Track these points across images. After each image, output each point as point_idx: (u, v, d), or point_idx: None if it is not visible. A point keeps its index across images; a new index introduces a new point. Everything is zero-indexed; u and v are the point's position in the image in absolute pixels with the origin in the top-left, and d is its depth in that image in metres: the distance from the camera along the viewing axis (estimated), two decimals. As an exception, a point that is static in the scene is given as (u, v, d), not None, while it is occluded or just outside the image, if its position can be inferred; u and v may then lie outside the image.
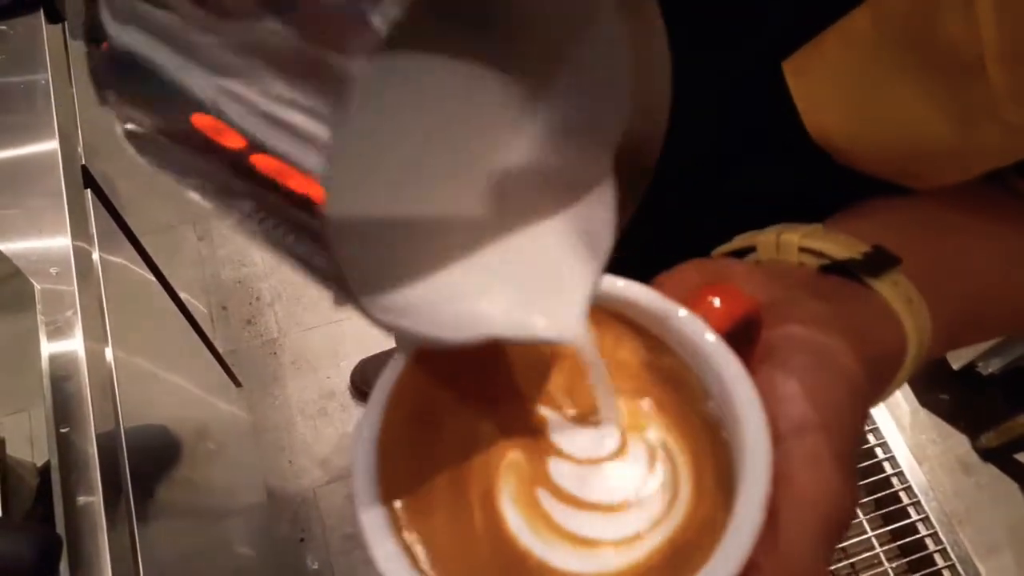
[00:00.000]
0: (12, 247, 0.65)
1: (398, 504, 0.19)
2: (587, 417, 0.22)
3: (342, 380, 1.55)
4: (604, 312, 0.23)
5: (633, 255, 0.27)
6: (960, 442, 1.52)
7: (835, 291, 0.29)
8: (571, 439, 0.21)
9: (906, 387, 1.56)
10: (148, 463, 0.76)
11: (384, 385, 0.21)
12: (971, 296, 0.38)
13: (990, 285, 0.39)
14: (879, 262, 0.31)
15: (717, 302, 0.22)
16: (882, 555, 1.44)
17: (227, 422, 1.27)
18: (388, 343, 1.51)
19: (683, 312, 0.22)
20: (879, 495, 1.49)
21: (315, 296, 1.61)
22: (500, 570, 0.19)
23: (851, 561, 1.45)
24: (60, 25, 0.77)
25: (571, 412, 0.22)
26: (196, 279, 1.55)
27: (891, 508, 1.48)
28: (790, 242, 0.32)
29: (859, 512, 1.47)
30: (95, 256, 0.70)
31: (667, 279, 0.26)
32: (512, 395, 0.22)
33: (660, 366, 0.22)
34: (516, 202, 0.23)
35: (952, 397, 1.53)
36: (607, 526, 0.20)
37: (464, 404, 0.22)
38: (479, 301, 0.22)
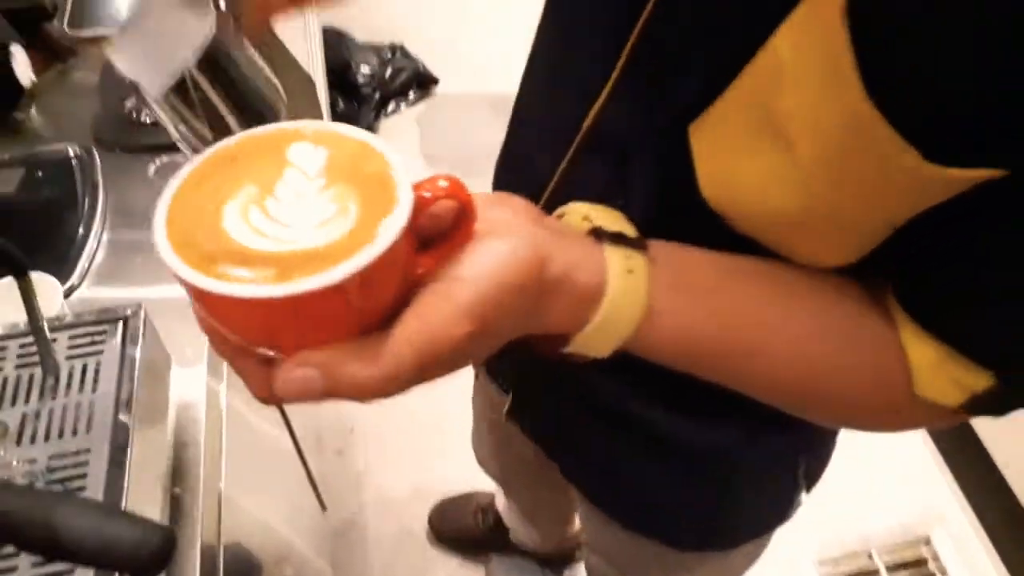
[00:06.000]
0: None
1: (176, 218, 0.30)
2: (304, 175, 0.32)
3: (420, 521, 1.54)
4: (365, 143, 0.33)
5: None
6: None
7: (573, 236, 0.35)
8: (290, 183, 0.31)
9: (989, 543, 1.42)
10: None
11: (196, 160, 0.33)
12: (736, 331, 0.38)
13: (765, 330, 0.38)
14: (625, 240, 0.36)
15: (441, 182, 0.31)
16: None
17: (308, 548, 1.28)
18: (468, 488, 1.51)
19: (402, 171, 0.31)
20: None
21: (405, 437, 1.64)
22: (219, 248, 0.29)
23: None
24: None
25: (294, 168, 0.32)
26: (297, 406, 1.61)
27: None
28: (579, 210, 0.38)
29: None
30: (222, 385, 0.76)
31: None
32: (260, 164, 0.32)
33: (375, 172, 0.31)
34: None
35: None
36: (291, 232, 0.29)
37: (231, 166, 0.32)
38: (133, 62, 0.36)
